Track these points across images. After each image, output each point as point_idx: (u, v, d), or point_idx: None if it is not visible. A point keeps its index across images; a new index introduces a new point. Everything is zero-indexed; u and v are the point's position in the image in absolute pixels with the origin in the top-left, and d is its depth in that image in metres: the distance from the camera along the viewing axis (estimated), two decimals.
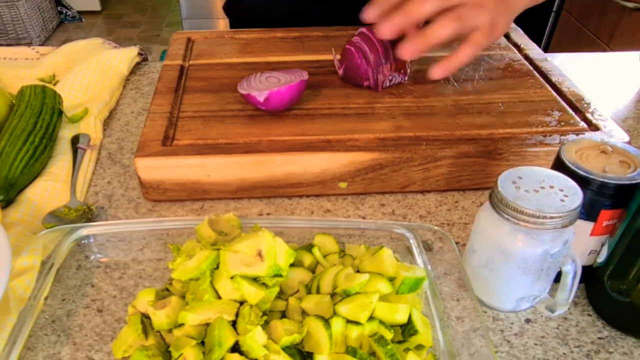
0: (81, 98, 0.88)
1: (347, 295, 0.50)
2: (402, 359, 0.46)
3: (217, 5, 3.37)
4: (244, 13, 1.16)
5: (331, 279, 0.53)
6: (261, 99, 0.71)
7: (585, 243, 0.56)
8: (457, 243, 0.64)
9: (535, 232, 0.50)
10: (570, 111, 0.77)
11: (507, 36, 0.98)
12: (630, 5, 1.99)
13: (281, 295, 0.53)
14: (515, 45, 0.95)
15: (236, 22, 1.19)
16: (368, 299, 0.49)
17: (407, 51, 0.68)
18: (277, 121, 0.74)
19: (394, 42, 0.72)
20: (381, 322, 0.49)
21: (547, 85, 0.83)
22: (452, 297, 0.55)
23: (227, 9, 1.22)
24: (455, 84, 0.82)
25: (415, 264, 0.56)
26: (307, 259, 0.57)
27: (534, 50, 0.93)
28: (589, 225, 0.54)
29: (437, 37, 0.66)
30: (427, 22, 0.67)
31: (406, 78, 0.82)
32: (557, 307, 0.54)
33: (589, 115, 0.76)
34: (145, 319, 0.51)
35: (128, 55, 0.97)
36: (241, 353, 0.46)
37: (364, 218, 0.69)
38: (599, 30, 2.20)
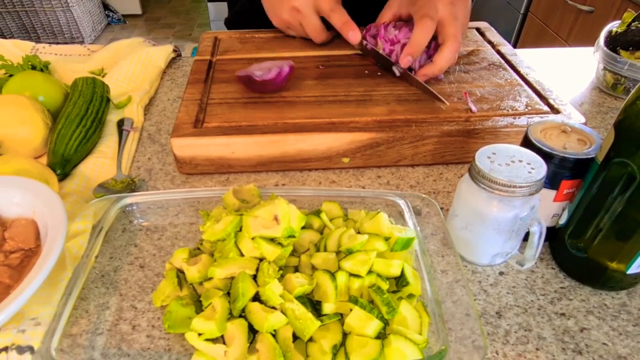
0: (125, 88, 0.87)
1: (349, 252, 0.50)
2: (396, 306, 0.46)
3: None
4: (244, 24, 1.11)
5: (336, 239, 0.52)
6: (258, 78, 0.72)
7: (549, 208, 0.55)
8: (441, 208, 0.63)
9: (507, 199, 0.49)
10: (536, 97, 0.76)
11: (482, 35, 0.96)
12: (585, 8, 1.97)
13: (294, 253, 0.53)
14: (490, 42, 0.93)
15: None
16: (367, 256, 0.49)
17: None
18: (290, 106, 0.72)
19: None
20: (378, 275, 0.49)
21: (516, 76, 0.81)
22: (438, 253, 0.54)
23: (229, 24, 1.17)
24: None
25: (406, 226, 0.55)
26: (316, 223, 0.56)
27: (505, 46, 0.91)
28: (552, 193, 0.54)
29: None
30: None
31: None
32: (526, 262, 0.53)
33: (551, 101, 0.74)
34: (180, 273, 0.51)
35: (165, 51, 0.96)
36: (261, 302, 0.46)
37: (363, 188, 0.68)
38: (560, 29, 2.16)
